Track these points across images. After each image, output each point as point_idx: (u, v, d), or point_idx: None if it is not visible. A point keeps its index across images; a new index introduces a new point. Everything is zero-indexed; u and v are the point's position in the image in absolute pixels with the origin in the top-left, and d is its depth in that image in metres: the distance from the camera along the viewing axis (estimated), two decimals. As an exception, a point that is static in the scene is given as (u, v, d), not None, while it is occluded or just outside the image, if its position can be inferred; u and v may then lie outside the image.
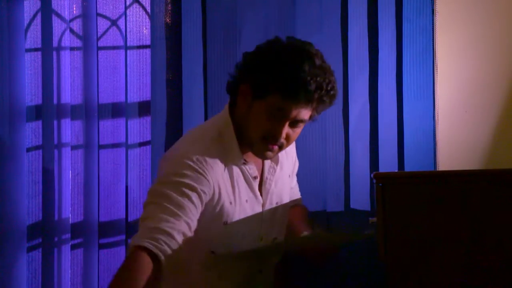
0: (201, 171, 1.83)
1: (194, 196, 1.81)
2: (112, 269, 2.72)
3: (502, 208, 1.83)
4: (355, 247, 2.64)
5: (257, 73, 1.83)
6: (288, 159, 2.10)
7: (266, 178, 1.99)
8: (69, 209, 2.72)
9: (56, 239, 2.71)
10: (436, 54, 2.70)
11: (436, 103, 2.70)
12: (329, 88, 1.82)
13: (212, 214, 1.89)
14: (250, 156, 1.94)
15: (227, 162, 1.90)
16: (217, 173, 1.87)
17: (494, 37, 2.71)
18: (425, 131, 2.70)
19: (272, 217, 2.02)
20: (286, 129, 1.85)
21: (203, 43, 2.74)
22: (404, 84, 2.71)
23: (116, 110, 2.76)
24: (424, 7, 2.71)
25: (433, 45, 2.70)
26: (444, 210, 1.85)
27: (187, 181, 1.81)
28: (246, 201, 1.94)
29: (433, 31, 2.71)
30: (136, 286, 1.68)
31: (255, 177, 1.95)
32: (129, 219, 2.73)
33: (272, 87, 1.80)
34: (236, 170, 1.92)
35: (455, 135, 2.70)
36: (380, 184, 1.94)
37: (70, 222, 2.72)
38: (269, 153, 1.89)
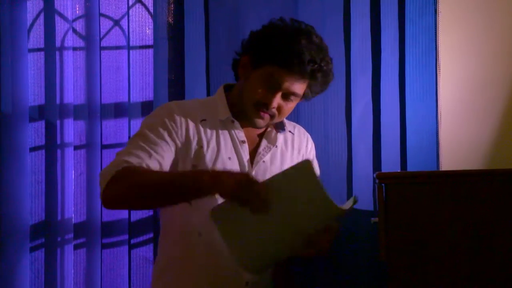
0: (175, 113, 1.93)
1: (166, 134, 1.90)
2: (115, 269, 2.72)
3: (505, 208, 1.83)
4: (356, 247, 2.64)
5: (257, 45, 1.95)
6: (296, 139, 2.14)
7: (259, 152, 2.03)
8: (72, 209, 2.72)
9: (59, 239, 2.71)
10: (439, 54, 2.70)
11: (438, 103, 2.70)
12: (322, 64, 1.92)
13: (189, 159, 1.93)
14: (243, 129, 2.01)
15: (212, 116, 1.98)
16: (195, 119, 1.96)
17: (497, 37, 2.71)
18: (427, 131, 2.69)
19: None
20: (278, 99, 1.94)
21: (205, 43, 2.74)
22: (406, 84, 2.71)
23: (119, 110, 2.75)
24: (427, 7, 2.71)
25: (435, 45, 2.70)
26: (447, 210, 1.85)
27: (159, 120, 1.91)
28: (229, 158, 1.96)
29: (435, 31, 2.70)
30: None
31: (242, 141, 1.99)
32: (132, 219, 2.73)
33: (268, 56, 1.90)
34: (223, 130, 1.99)
35: (458, 135, 2.70)
36: (383, 184, 1.95)
37: (73, 222, 2.72)
38: (260, 121, 1.97)
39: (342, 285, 2.13)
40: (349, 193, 2.72)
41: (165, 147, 1.89)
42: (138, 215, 2.73)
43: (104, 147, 2.74)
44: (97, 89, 2.74)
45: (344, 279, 2.61)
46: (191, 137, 1.94)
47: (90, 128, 2.74)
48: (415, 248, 1.85)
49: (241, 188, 1.65)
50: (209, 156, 1.94)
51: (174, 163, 1.93)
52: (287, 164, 2.08)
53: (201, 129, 1.97)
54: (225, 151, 1.97)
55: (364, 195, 2.70)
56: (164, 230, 2.06)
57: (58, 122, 2.71)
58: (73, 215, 2.73)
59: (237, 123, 2.01)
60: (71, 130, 2.73)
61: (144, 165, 1.81)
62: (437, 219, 1.86)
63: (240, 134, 2.00)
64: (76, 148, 2.74)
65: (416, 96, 2.70)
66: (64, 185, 2.73)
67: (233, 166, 1.96)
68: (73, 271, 2.72)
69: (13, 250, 2.67)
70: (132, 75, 2.74)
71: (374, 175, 2.17)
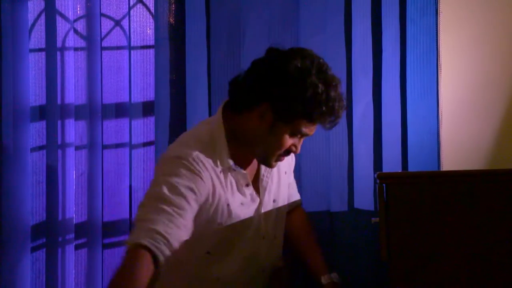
0: (196, 171, 1.87)
1: (190, 196, 1.84)
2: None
3: (506, 208, 1.83)
4: (356, 247, 2.64)
5: (285, 98, 1.89)
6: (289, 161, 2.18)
7: (263, 175, 2.05)
8: (73, 209, 2.73)
9: (60, 239, 2.71)
10: (440, 54, 2.69)
11: (440, 103, 2.69)
12: (344, 107, 1.98)
13: (207, 215, 1.91)
14: (241, 159, 1.99)
15: (220, 165, 1.94)
16: (211, 174, 1.90)
17: (498, 36, 2.71)
18: (429, 131, 2.68)
19: (270, 214, 2.04)
20: (301, 143, 2.00)
21: (207, 43, 2.74)
22: (407, 84, 2.70)
23: (120, 110, 2.76)
24: (428, 7, 2.71)
25: (437, 45, 2.69)
26: (448, 210, 1.84)
27: (183, 181, 1.83)
28: (242, 204, 1.98)
29: (437, 31, 2.70)
30: (139, 286, 1.68)
31: (247, 185, 2.00)
32: (133, 219, 2.68)
33: (302, 114, 1.90)
34: (229, 175, 1.95)
35: (459, 135, 2.69)
36: (384, 184, 1.95)
37: (74, 222, 2.72)
38: (278, 163, 2.01)
39: (342, 286, 2.13)
40: (350, 193, 2.72)
41: (189, 209, 1.86)
42: (139, 215, 2.72)
43: (105, 147, 2.74)
44: (98, 89, 2.74)
45: (345, 279, 2.60)
46: (210, 195, 1.93)
47: (91, 128, 2.74)
48: (416, 248, 1.85)
49: None
50: (232, 211, 1.96)
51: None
52: (283, 180, 2.15)
53: (219, 185, 1.95)
54: (238, 199, 1.99)
55: (365, 195, 2.70)
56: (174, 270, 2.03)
57: (59, 122, 2.71)
58: (74, 215, 2.73)
59: (238, 168, 2.00)
60: (72, 130, 2.73)
61: (172, 237, 1.78)
62: (438, 219, 1.86)
63: (243, 178, 2.00)
64: (77, 148, 2.74)
65: (417, 96, 2.69)
66: (65, 185, 2.73)
67: (246, 207, 1.99)
68: (74, 271, 2.72)
69: (14, 250, 2.68)
70: (133, 75, 2.74)
71: (375, 175, 2.17)
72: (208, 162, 1.92)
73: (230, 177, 1.97)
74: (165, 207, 1.80)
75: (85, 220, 2.74)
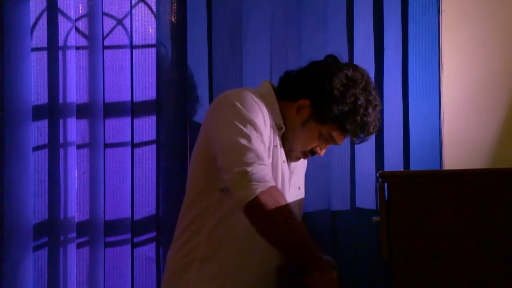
0: (260, 104, 1.96)
1: (265, 133, 1.94)
2: (118, 268, 2.73)
3: (509, 207, 1.83)
4: (357, 246, 2.65)
5: (325, 100, 1.99)
6: None
7: (291, 160, 2.10)
8: (75, 208, 2.72)
9: (62, 238, 2.71)
10: (442, 53, 2.69)
11: (442, 102, 2.69)
12: (377, 129, 2.08)
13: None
14: None
15: (274, 120, 2.02)
16: (269, 117, 1.98)
17: (501, 35, 2.70)
18: (431, 130, 2.68)
19: (295, 198, 2.10)
20: (326, 147, 2.07)
21: (208, 42, 2.73)
22: (410, 83, 2.70)
23: (122, 109, 2.75)
24: (430, 6, 2.70)
25: (439, 44, 2.69)
26: (450, 209, 1.84)
27: (261, 120, 1.92)
28: (284, 161, 2.03)
29: (439, 29, 2.70)
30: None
31: (283, 161, 2.04)
32: (135, 218, 2.73)
33: (336, 120, 1.99)
34: (275, 133, 2.01)
35: (461, 134, 2.69)
36: (386, 183, 1.95)
37: (75, 221, 2.72)
38: (299, 160, 2.09)
39: (343, 285, 2.13)
40: (352, 193, 2.72)
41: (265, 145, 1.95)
42: (141, 214, 2.73)
43: (107, 146, 2.74)
44: (100, 88, 2.74)
45: (345, 278, 2.60)
46: (271, 136, 1.98)
47: (93, 127, 2.74)
48: (417, 247, 1.85)
49: None
50: (274, 155, 1.99)
51: None
52: (301, 170, 2.20)
53: (273, 126, 2.01)
54: (281, 154, 2.02)
55: (367, 195, 2.70)
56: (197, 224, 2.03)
57: (61, 121, 2.71)
58: (76, 214, 2.73)
59: (281, 133, 2.05)
60: (74, 129, 2.73)
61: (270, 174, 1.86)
62: (440, 218, 1.86)
63: (282, 150, 2.05)
64: (79, 147, 2.74)
65: (420, 95, 2.69)
66: (67, 184, 2.72)
67: (285, 169, 2.02)
68: (76, 270, 2.72)
69: (16, 249, 2.68)
70: (135, 74, 2.74)
71: (377, 174, 2.17)
72: (267, 110, 1.98)
73: (276, 136, 2.01)
74: (260, 142, 1.88)
75: (87, 219, 2.74)
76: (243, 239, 1.96)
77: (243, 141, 1.86)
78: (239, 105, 1.91)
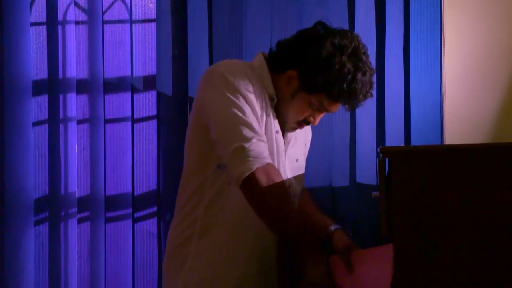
0: (249, 76, 1.94)
1: (257, 107, 1.93)
2: (119, 243, 2.74)
3: (510, 182, 1.82)
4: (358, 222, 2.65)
5: (311, 70, 1.95)
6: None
7: (287, 133, 2.07)
8: (75, 183, 2.73)
9: (62, 213, 2.72)
10: (444, 27, 2.67)
11: (443, 77, 2.67)
12: (368, 96, 2.02)
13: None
14: None
15: (266, 90, 2.00)
16: (259, 89, 1.97)
17: (502, 11, 2.69)
18: (432, 105, 2.67)
19: (293, 169, 2.07)
20: (319, 116, 2.05)
21: (208, 17, 2.72)
22: (411, 58, 2.69)
23: (122, 85, 2.74)
24: (431, -19, 2.69)
25: (440, 19, 2.67)
26: (451, 185, 1.83)
27: (252, 94, 1.91)
28: (277, 132, 2.00)
29: (441, 4, 2.67)
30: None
31: (276, 131, 2.02)
32: (136, 193, 2.74)
33: (323, 89, 1.95)
34: (267, 104, 2.00)
35: (462, 109, 2.68)
36: (386, 159, 1.94)
37: (76, 196, 2.73)
38: (295, 130, 2.07)
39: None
40: (352, 168, 2.71)
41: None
42: (142, 189, 2.74)
43: (107, 121, 2.74)
44: (100, 63, 2.73)
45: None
46: (263, 107, 1.97)
47: (93, 102, 2.73)
48: (417, 223, 1.85)
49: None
50: (267, 126, 1.98)
51: None
52: (302, 142, 2.18)
53: (265, 98, 2.00)
54: (276, 126, 2.01)
55: (367, 170, 2.70)
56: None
57: (61, 96, 2.71)
58: (76, 189, 2.73)
59: (274, 104, 2.03)
60: (74, 105, 2.72)
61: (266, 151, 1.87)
62: (440, 194, 1.85)
63: (276, 121, 2.04)
64: (79, 122, 2.74)
65: (421, 70, 2.68)
66: (68, 159, 2.72)
67: (279, 140, 2.01)
68: (77, 244, 2.73)
69: (17, 223, 2.69)
70: (135, 49, 2.73)
71: (378, 149, 2.16)
72: (258, 82, 1.97)
73: (271, 109, 2.01)
74: (253, 120, 1.87)
75: (88, 194, 2.74)
76: (237, 214, 1.96)
77: (238, 114, 1.86)
78: (229, 76, 1.91)
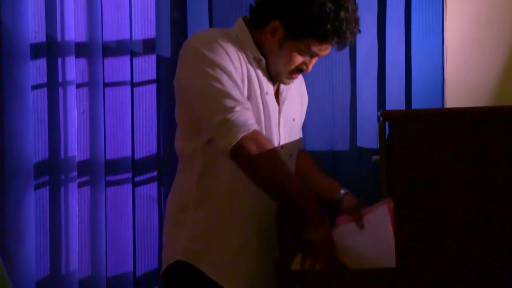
0: (226, 47, 1.91)
1: (238, 78, 1.92)
2: (119, 207, 2.75)
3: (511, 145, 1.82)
4: (357, 185, 2.64)
5: (293, 15, 1.93)
6: (299, 85, 2.19)
7: (282, 90, 2.06)
8: (75, 147, 2.73)
9: (63, 177, 2.73)
10: (446, -11, 2.64)
11: (445, 39, 2.66)
12: (354, 32, 1.97)
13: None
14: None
15: (249, 55, 1.99)
16: (241, 56, 1.95)
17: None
18: (433, 68, 2.66)
19: (289, 129, 2.06)
20: (313, 62, 2.02)
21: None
22: (412, 21, 2.67)
23: (121, 48, 2.72)
24: None
25: (443, -20, 2.64)
26: (452, 148, 1.83)
27: (231, 63, 1.89)
28: (267, 93, 1.99)
29: (443, -36, 2.64)
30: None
31: (266, 93, 2.01)
32: (136, 157, 2.74)
33: (308, 31, 1.92)
34: (254, 66, 1.99)
35: (464, 72, 2.67)
36: (387, 122, 1.93)
37: (76, 160, 2.73)
38: (291, 81, 2.04)
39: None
40: (353, 132, 2.71)
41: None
42: (142, 153, 2.74)
43: (106, 85, 2.72)
44: (99, 26, 2.70)
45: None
46: (244, 72, 1.96)
47: (92, 66, 2.72)
48: (418, 186, 1.84)
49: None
50: (250, 90, 1.97)
51: None
52: (298, 101, 2.16)
53: (246, 62, 1.98)
54: (265, 87, 2.00)
55: (368, 134, 2.69)
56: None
57: (59, 59, 2.69)
58: (76, 153, 2.73)
59: (263, 64, 2.01)
60: (73, 68, 2.71)
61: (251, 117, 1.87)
62: (441, 158, 1.85)
63: (265, 81, 2.02)
64: (78, 86, 2.72)
65: (422, 32, 2.66)
66: (67, 123, 2.72)
67: (270, 101, 2.00)
68: (77, 208, 2.73)
69: (17, 187, 2.69)
70: (134, 12, 2.70)
71: (378, 113, 2.15)
72: (235, 47, 1.95)
73: (256, 71, 1.99)
74: (236, 90, 1.87)
75: (88, 158, 2.74)
76: (232, 183, 1.95)
77: (216, 86, 1.85)
78: (203, 49, 1.88)
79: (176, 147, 2.04)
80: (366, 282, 1.85)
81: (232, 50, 1.93)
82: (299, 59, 1.97)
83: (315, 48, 1.95)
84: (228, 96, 1.83)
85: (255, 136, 1.83)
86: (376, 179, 2.17)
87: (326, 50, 1.98)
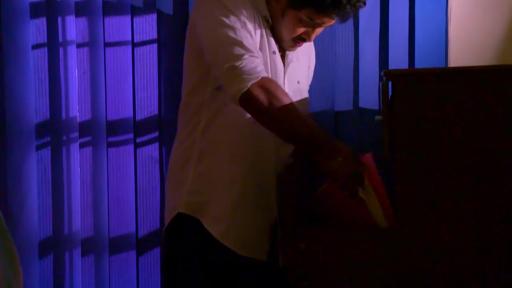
0: (244, 1, 1.94)
1: (251, 27, 1.94)
2: (121, 167, 2.75)
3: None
4: (359, 146, 2.65)
5: None
6: (308, 48, 2.19)
7: (288, 52, 2.08)
8: (76, 107, 2.72)
9: (64, 137, 2.72)
10: None
11: (449, -1, 2.63)
12: (357, 5, 1.97)
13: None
14: None
15: (259, 14, 2.00)
16: (252, 8, 1.97)
17: None
18: (437, 28, 2.64)
19: (293, 92, 2.06)
20: (316, 33, 2.03)
21: None
22: (416, -21, 2.63)
23: (121, 7, 2.69)
24: None
25: None
26: (455, 109, 1.82)
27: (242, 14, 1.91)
28: (274, 52, 2.01)
29: None
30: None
31: (273, 52, 2.02)
32: (137, 118, 2.73)
33: (307, 2, 1.93)
34: (263, 25, 2.00)
35: (468, 32, 2.65)
36: (390, 82, 1.92)
37: (78, 121, 2.72)
38: (295, 48, 2.06)
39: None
40: (356, 92, 2.69)
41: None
42: (143, 114, 2.73)
43: (107, 45, 2.70)
44: (98, -17, 2.67)
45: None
46: (256, 27, 1.97)
47: (92, 25, 2.69)
48: (420, 147, 1.84)
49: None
50: (262, 47, 1.98)
51: None
52: (305, 64, 2.17)
53: (258, 18, 1.99)
54: (273, 46, 2.01)
55: (370, 94, 2.68)
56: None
57: (59, 19, 2.66)
58: (77, 114, 2.72)
59: (270, 25, 2.02)
60: (73, 28, 2.68)
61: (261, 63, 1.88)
62: (444, 118, 1.83)
63: (272, 41, 2.03)
64: (78, 46, 2.70)
65: (426, -9, 2.62)
66: (68, 83, 2.71)
67: (277, 60, 2.01)
68: (79, 169, 2.74)
69: (19, 148, 2.69)
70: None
71: (381, 73, 2.14)
72: (250, 3, 1.96)
73: (266, 30, 2.00)
74: (249, 39, 1.88)
75: (89, 119, 2.73)
76: (234, 135, 1.98)
77: (229, 33, 1.86)
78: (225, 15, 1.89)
79: (183, 102, 2.05)
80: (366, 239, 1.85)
81: (247, 2, 1.94)
82: (300, 29, 1.99)
83: (316, 19, 1.96)
84: (240, 44, 1.85)
85: (264, 82, 1.84)
86: (378, 139, 2.17)
87: (328, 22, 1.99)
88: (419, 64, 2.65)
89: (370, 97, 2.68)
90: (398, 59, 2.66)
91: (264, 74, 1.86)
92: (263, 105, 1.83)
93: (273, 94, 1.83)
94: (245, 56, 1.84)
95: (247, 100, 1.84)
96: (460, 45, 2.66)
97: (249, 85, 1.82)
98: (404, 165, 1.82)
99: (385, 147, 1.95)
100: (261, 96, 1.82)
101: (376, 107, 2.67)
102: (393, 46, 2.67)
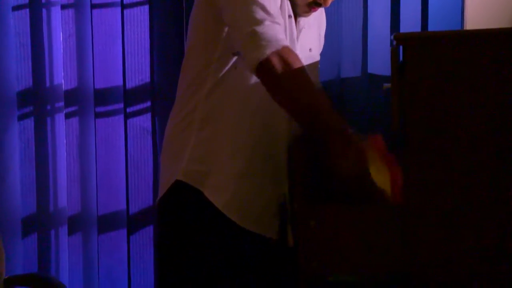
0: None
1: None
2: (110, 139, 2.69)
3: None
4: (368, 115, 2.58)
5: None
6: (319, 15, 2.14)
7: (300, 18, 2.01)
8: (61, 74, 2.67)
9: (48, 107, 2.67)
10: None
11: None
12: None
13: None
14: None
15: None
16: None
17: None
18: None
19: (305, 60, 1.97)
20: None
21: None
22: None
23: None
24: None
25: None
26: (471, 75, 1.70)
27: None
28: (289, 16, 1.95)
29: None
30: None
31: (289, 16, 1.97)
32: (127, 86, 2.64)
33: None
34: None
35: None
36: (401, 46, 1.80)
37: (63, 89, 2.66)
38: (309, 14, 1.99)
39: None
40: (364, 57, 2.61)
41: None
42: (134, 82, 2.66)
43: (94, 6, 2.64)
44: None
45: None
46: None
47: (77, -16, 2.63)
48: (432, 115, 1.74)
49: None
50: (281, 8, 1.92)
51: None
52: (316, 32, 2.12)
53: None
54: (287, 9, 1.95)
55: (380, 59, 2.60)
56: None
57: (42, -24, 2.61)
58: (63, 81, 2.67)
59: None
60: (57, -13, 2.63)
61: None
62: (458, 84, 1.75)
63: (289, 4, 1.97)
64: (63, 7, 2.65)
65: None
66: (52, 48, 2.67)
67: (292, 26, 1.95)
68: (65, 141, 2.69)
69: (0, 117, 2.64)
70: None
71: (392, 36, 2.06)
72: None
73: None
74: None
75: (75, 87, 2.67)
76: (242, 101, 1.90)
77: None
78: None
79: (185, 63, 1.97)
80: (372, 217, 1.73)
81: None
82: None
83: None
84: (262, 7, 1.78)
85: (284, 52, 1.76)
86: (388, 108, 2.07)
87: None
88: (433, 27, 2.58)
89: (379, 63, 2.61)
90: (410, 22, 2.59)
91: (285, 43, 1.79)
92: (278, 78, 1.75)
93: (290, 68, 1.75)
94: (267, 22, 1.77)
95: (263, 70, 1.76)
96: (477, 6, 2.58)
97: (268, 53, 1.74)
98: (415, 137, 1.71)
99: (395, 116, 1.85)
100: (278, 68, 1.74)
101: (386, 73, 2.57)
102: (405, 7, 2.59)
